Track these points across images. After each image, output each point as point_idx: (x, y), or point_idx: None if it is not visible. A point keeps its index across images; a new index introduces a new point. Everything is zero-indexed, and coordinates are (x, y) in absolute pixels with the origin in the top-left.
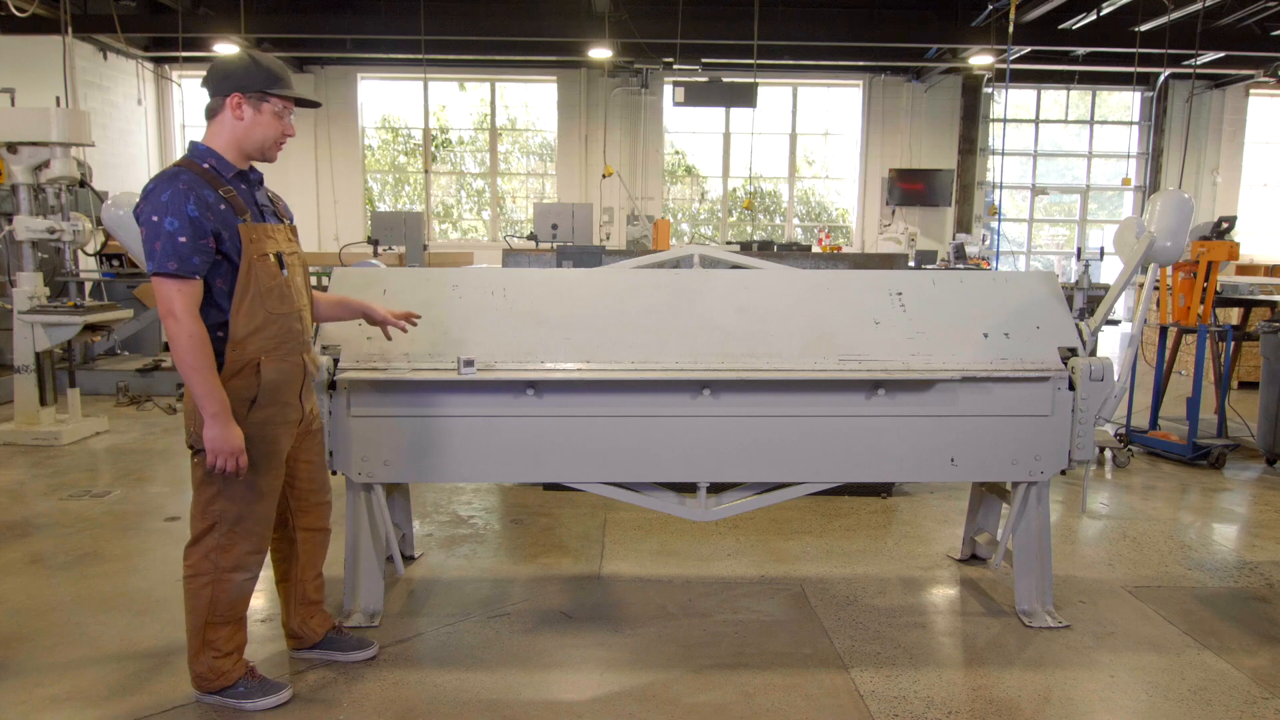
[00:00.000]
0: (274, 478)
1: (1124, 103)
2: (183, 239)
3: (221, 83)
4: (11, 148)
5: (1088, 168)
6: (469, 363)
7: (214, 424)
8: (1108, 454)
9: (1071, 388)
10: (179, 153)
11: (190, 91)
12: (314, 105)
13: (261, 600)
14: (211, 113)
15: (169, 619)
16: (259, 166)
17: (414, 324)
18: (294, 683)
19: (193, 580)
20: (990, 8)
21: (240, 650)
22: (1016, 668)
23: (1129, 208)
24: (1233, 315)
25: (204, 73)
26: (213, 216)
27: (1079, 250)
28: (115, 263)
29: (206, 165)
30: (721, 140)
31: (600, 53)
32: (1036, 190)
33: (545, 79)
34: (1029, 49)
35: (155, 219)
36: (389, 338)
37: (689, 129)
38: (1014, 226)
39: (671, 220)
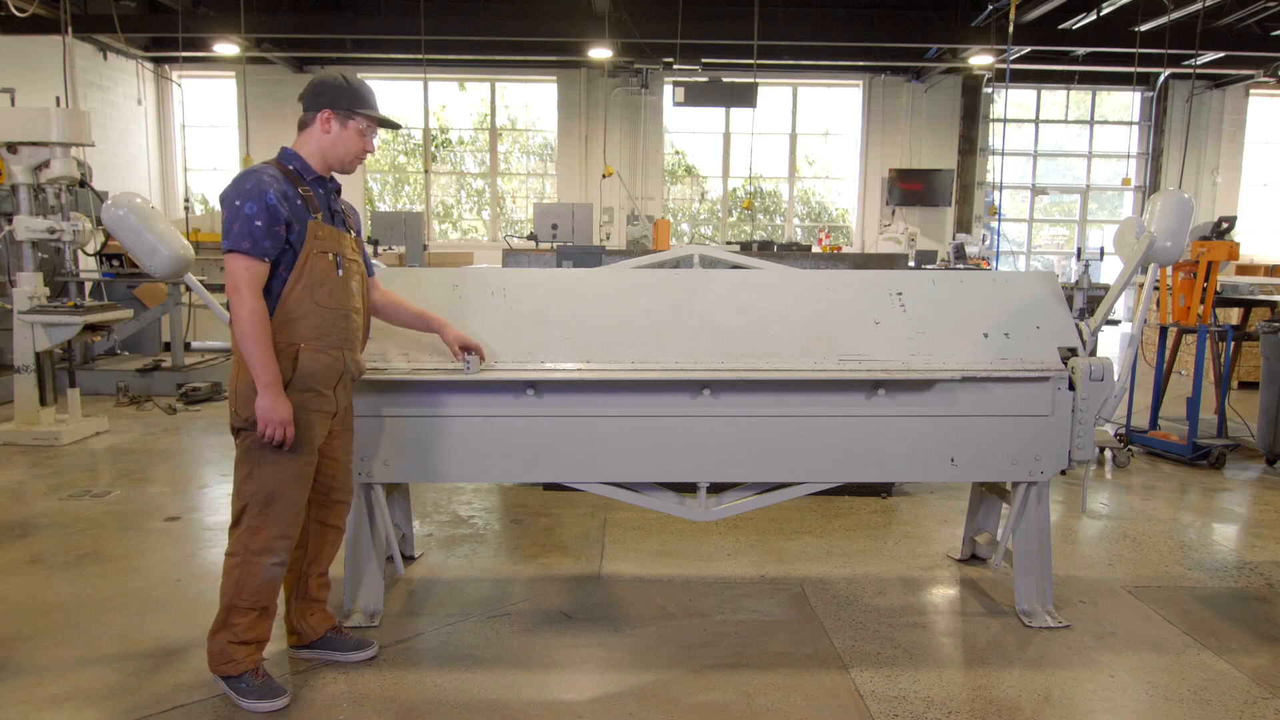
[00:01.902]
0: (305, 463)
1: (1124, 103)
2: (259, 223)
3: (316, 98)
4: (11, 148)
5: (1088, 168)
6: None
7: (266, 394)
8: (1108, 454)
9: (1071, 388)
10: (179, 153)
11: (190, 91)
12: (395, 127)
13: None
14: (303, 124)
15: (169, 619)
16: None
17: (475, 357)
18: (294, 682)
19: (229, 559)
20: (990, 8)
21: (259, 644)
22: (1016, 668)
23: (1129, 208)
24: (1233, 315)
25: (205, 73)
26: (288, 208)
27: (1079, 250)
28: (115, 263)
29: (291, 166)
30: (721, 140)
31: (600, 53)
32: (1036, 190)
33: (545, 79)
34: (1029, 49)
35: (237, 203)
36: (456, 357)
37: (689, 129)
38: (1014, 226)
39: (671, 220)
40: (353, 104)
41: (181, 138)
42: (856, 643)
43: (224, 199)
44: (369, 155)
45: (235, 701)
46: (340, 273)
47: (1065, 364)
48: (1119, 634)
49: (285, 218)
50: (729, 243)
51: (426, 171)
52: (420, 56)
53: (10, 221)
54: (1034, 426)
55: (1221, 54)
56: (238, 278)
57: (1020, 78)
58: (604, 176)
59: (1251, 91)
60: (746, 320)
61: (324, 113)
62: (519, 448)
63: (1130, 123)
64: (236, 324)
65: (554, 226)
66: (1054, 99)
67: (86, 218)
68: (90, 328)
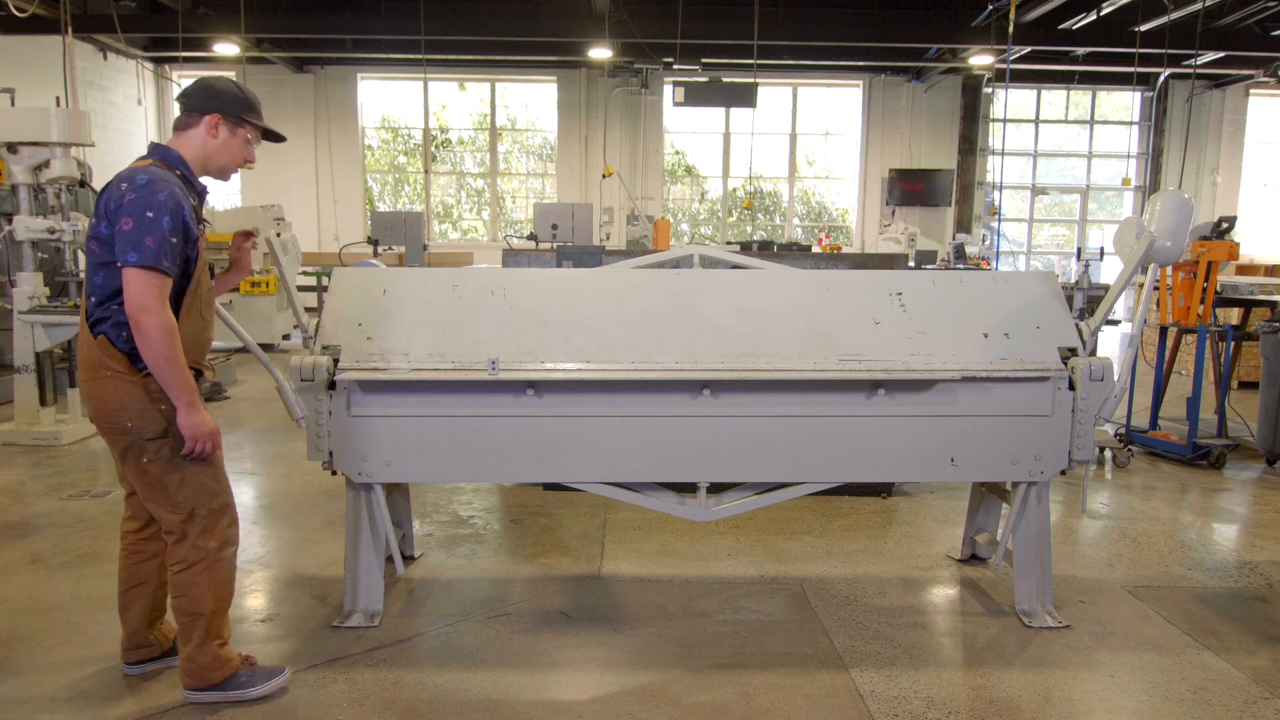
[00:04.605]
0: (219, 454)
1: (1124, 103)
2: (174, 240)
3: (206, 101)
4: (11, 148)
5: (1088, 168)
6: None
7: (190, 411)
8: (1108, 454)
9: (1071, 388)
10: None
11: None
12: (279, 139)
13: (261, 600)
14: (184, 125)
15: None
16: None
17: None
18: (294, 683)
19: (186, 574)
20: (990, 8)
21: (229, 638)
22: (1016, 668)
23: (1129, 208)
24: (1233, 315)
25: (205, 73)
26: (188, 223)
27: (1079, 250)
28: None
29: (178, 172)
30: (721, 140)
31: (600, 53)
32: (1036, 190)
33: (545, 79)
34: (1029, 49)
35: (150, 215)
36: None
37: (689, 129)
38: (1014, 226)
39: (671, 220)
40: (243, 112)
41: None
42: (856, 643)
43: (129, 206)
44: (250, 165)
45: (242, 696)
46: (210, 282)
47: (1065, 364)
48: (1119, 634)
49: (194, 235)
50: (729, 243)
51: (426, 171)
52: (420, 56)
53: (10, 221)
54: (1034, 426)
55: (1221, 54)
56: (148, 294)
57: (1020, 78)
58: (604, 176)
59: (1251, 91)
60: (746, 320)
61: (213, 117)
62: (519, 448)
63: (1130, 123)
64: (150, 343)
65: (554, 226)
66: (1054, 99)
67: (86, 218)
68: None
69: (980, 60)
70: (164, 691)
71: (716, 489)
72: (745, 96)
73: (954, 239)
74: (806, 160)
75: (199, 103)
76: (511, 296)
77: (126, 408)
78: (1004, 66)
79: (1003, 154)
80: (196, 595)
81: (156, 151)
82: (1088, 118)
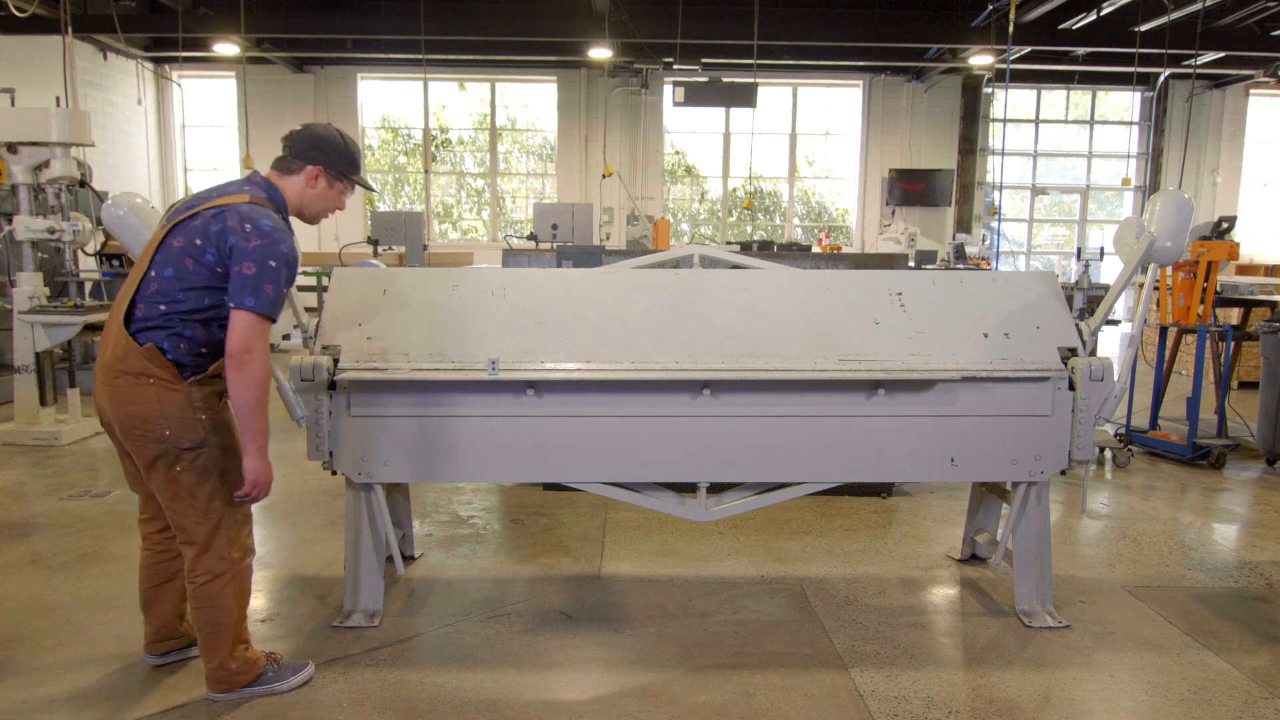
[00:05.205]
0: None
1: (1124, 103)
2: (285, 289)
3: (312, 152)
4: (11, 148)
5: (1088, 168)
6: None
7: (261, 457)
8: (1108, 454)
9: (1071, 388)
10: (179, 153)
11: (190, 91)
12: (371, 190)
13: (261, 600)
14: (285, 169)
15: None
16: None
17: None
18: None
19: (213, 584)
20: (990, 8)
21: (250, 639)
22: (1016, 668)
23: (1129, 208)
24: (1233, 315)
25: (205, 73)
26: (294, 275)
27: (1079, 250)
28: (115, 263)
29: (281, 215)
30: (721, 140)
31: (600, 53)
32: (1036, 190)
33: (545, 79)
34: (1029, 49)
35: (273, 265)
36: None
37: (689, 129)
38: (1014, 226)
39: (671, 220)
40: (346, 170)
41: (181, 138)
42: (856, 643)
43: (254, 252)
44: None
45: (271, 691)
46: None
47: (1065, 364)
48: (1119, 634)
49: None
50: (729, 243)
51: (426, 171)
52: (420, 56)
53: (10, 221)
54: (1034, 426)
55: (1221, 54)
56: (257, 337)
57: (1020, 78)
58: (604, 176)
59: (1251, 91)
60: (746, 320)
61: (315, 169)
62: (519, 448)
63: (1130, 123)
64: (248, 384)
65: (554, 226)
66: (1054, 99)
67: (86, 218)
68: (90, 328)
69: (980, 60)
70: (164, 691)
71: (716, 489)
72: (745, 96)
73: (954, 239)
74: (806, 160)
75: (303, 151)
76: (511, 296)
77: (167, 416)
78: (1004, 66)
79: (1003, 154)
80: (223, 605)
81: (267, 189)
82: (1088, 118)
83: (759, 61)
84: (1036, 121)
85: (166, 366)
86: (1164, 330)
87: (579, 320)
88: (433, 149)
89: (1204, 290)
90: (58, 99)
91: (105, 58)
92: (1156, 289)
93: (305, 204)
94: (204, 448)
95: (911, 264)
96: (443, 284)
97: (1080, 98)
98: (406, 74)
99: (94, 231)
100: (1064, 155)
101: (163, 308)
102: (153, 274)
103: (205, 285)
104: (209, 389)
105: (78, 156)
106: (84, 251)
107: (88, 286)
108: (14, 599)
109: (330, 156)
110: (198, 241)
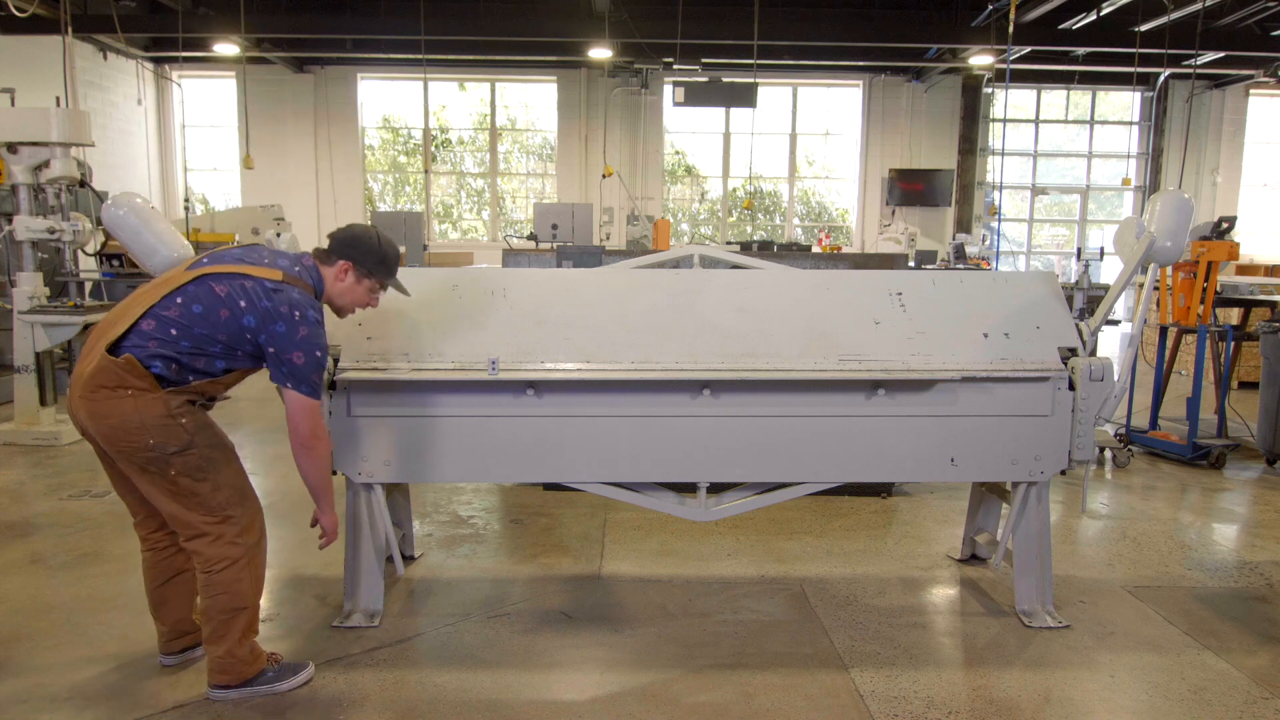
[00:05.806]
0: (235, 453)
1: (1124, 103)
2: (324, 369)
3: (343, 246)
4: (11, 148)
5: (1088, 168)
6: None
7: (332, 512)
8: (1108, 454)
9: (1071, 388)
10: (179, 153)
11: (190, 91)
12: (404, 293)
13: (261, 600)
14: (324, 259)
15: None
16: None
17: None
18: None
19: (228, 570)
20: (990, 8)
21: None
22: (1016, 668)
23: (1129, 208)
24: (1233, 315)
25: (205, 73)
26: None
27: (1079, 250)
28: (115, 263)
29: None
30: (721, 140)
31: (600, 53)
32: (1036, 190)
33: (545, 79)
34: (1029, 49)
35: (319, 355)
36: None
37: (689, 129)
38: (1014, 226)
39: (671, 220)
40: (374, 269)
41: (181, 138)
42: (856, 643)
43: (302, 342)
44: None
45: (271, 690)
46: None
47: (1065, 364)
48: (1119, 634)
49: None
50: (729, 243)
51: (426, 171)
52: (420, 56)
53: (10, 221)
54: (1034, 426)
55: (1221, 54)
56: (319, 423)
57: (1020, 78)
58: (604, 176)
59: (1251, 91)
60: (746, 320)
61: (345, 263)
62: (519, 448)
63: (1130, 123)
64: (315, 463)
65: (554, 226)
66: (1054, 99)
67: (86, 218)
68: (90, 328)
69: (980, 60)
70: (164, 692)
71: (716, 489)
72: (745, 96)
73: (954, 239)
74: (806, 160)
75: (336, 246)
76: (511, 296)
77: (146, 425)
78: (1004, 66)
79: (1003, 154)
80: (240, 590)
81: (313, 275)
82: (1088, 118)
83: (759, 61)
84: (1036, 121)
85: (144, 376)
86: (1164, 330)
87: (579, 320)
88: (433, 149)
89: (1204, 290)
90: (58, 99)
91: (105, 58)
92: (1156, 289)
93: (334, 295)
94: (192, 448)
95: (911, 264)
96: (443, 284)
97: (1080, 98)
98: (406, 74)
99: (94, 231)
100: (1064, 155)
101: (174, 331)
102: (178, 299)
103: (227, 339)
104: (184, 397)
105: (78, 156)
106: (84, 251)
107: (88, 286)
108: (14, 599)
109: (360, 254)
110: (242, 304)
